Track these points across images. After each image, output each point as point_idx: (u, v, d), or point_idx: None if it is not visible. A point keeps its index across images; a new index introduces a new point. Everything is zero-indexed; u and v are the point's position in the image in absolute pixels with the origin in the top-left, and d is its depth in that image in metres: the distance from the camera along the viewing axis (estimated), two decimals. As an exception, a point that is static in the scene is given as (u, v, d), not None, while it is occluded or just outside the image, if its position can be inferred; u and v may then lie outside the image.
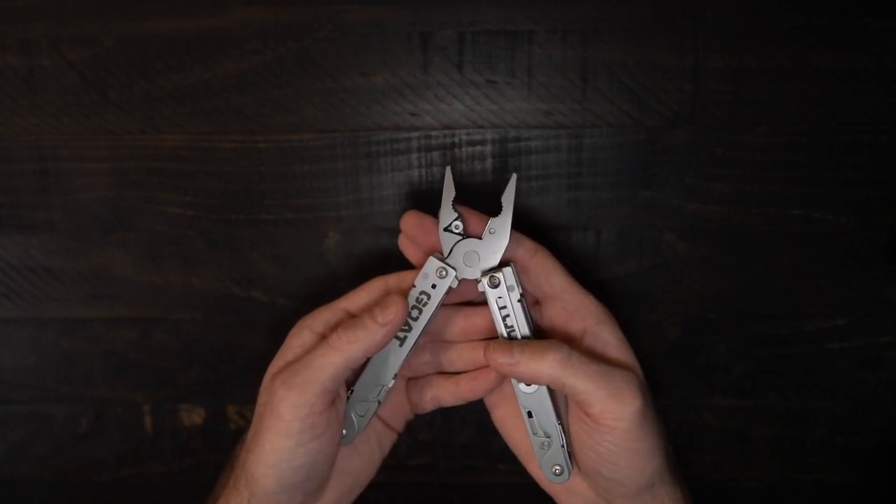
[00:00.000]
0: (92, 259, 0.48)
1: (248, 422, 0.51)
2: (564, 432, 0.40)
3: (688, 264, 0.47)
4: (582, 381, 0.37)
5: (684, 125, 0.45)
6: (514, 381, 0.40)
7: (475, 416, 0.50)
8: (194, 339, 0.50)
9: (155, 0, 0.44)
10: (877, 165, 0.45)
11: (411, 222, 0.41)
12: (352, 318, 0.40)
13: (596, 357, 0.39)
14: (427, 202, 0.46)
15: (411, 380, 0.44)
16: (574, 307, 0.40)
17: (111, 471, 0.52)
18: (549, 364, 0.37)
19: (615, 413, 0.37)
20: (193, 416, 0.51)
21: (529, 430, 0.40)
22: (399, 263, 0.43)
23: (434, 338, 0.43)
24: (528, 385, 0.40)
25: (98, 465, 0.52)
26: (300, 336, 0.40)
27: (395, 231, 0.43)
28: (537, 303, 0.43)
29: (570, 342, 0.41)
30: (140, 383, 0.51)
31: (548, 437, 0.40)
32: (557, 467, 0.40)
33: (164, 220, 0.47)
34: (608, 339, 0.40)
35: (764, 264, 0.47)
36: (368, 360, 0.40)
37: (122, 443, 0.52)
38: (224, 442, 0.51)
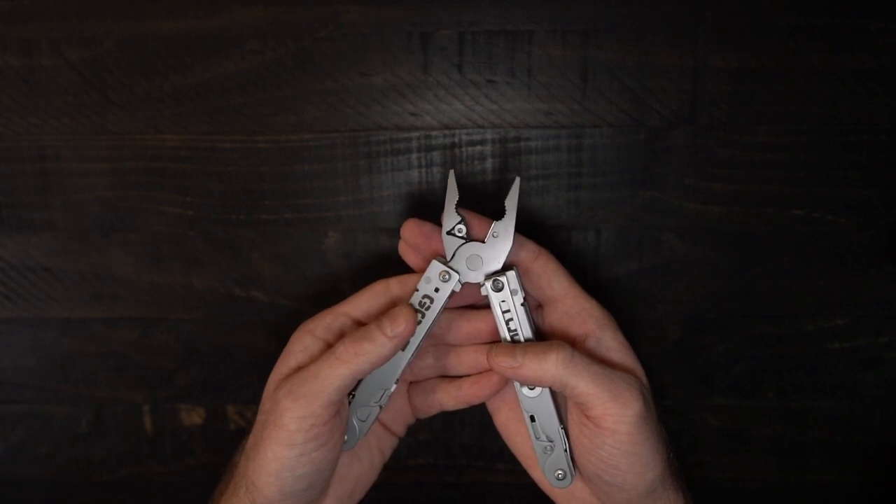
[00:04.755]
0: (92, 259, 0.48)
1: (248, 422, 0.51)
2: (567, 437, 0.40)
3: (688, 264, 0.47)
4: (584, 382, 0.36)
5: (684, 125, 0.45)
6: (516, 385, 0.40)
7: (475, 416, 0.50)
8: (194, 339, 0.50)
9: (155, 0, 0.44)
10: (876, 165, 0.45)
11: (413, 230, 0.40)
12: (354, 322, 0.40)
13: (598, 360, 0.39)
14: (427, 202, 0.46)
15: (413, 384, 0.44)
16: (576, 311, 0.40)
17: (111, 471, 0.52)
18: (553, 364, 0.36)
19: (616, 416, 0.36)
20: (193, 416, 0.51)
21: (532, 435, 0.40)
22: (399, 264, 0.43)
23: (437, 341, 0.43)
24: (532, 388, 0.40)
25: (98, 465, 0.52)
26: (302, 341, 0.40)
27: (396, 231, 0.42)
28: (539, 307, 0.42)
29: (572, 346, 0.41)
30: (140, 383, 0.51)
31: (550, 442, 0.40)
32: (560, 472, 0.40)
33: (164, 220, 0.47)
34: (610, 343, 0.40)
35: (764, 264, 0.47)
36: None
37: (122, 443, 0.52)
38: (224, 442, 0.51)
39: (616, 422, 0.36)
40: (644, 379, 0.40)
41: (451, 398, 0.43)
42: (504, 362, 0.38)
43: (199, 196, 0.47)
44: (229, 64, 0.45)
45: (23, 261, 0.49)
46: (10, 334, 0.50)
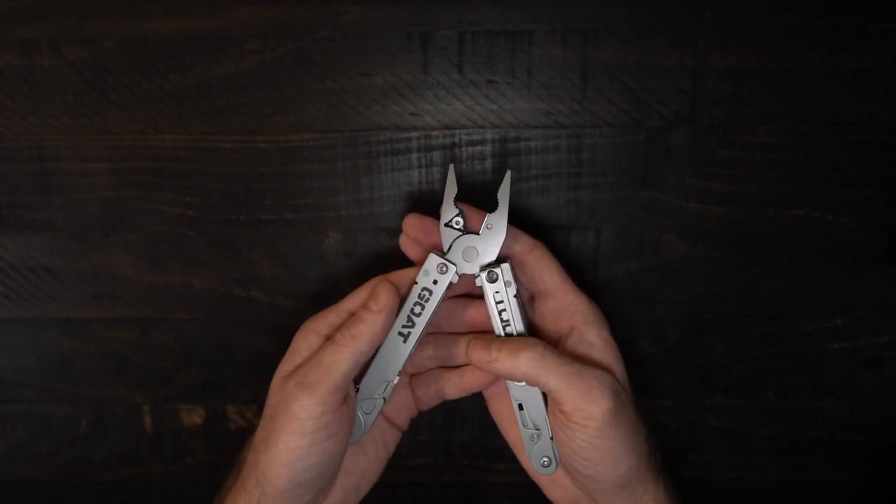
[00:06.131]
0: (92, 259, 0.48)
1: (249, 422, 0.51)
2: None
3: (688, 264, 0.47)
4: (554, 380, 0.38)
5: (684, 125, 0.45)
6: None
7: (475, 415, 0.50)
8: (194, 339, 0.50)
9: (155, 0, 0.44)
10: (876, 165, 0.45)
11: (413, 225, 0.42)
12: None
13: (576, 357, 0.40)
14: (427, 202, 0.46)
15: (414, 375, 0.45)
16: (564, 305, 0.41)
17: (111, 471, 0.52)
18: (524, 362, 0.38)
19: (585, 412, 0.37)
20: (193, 416, 0.51)
21: (520, 423, 0.41)
22: (399, 263, 0.43)
23: (436, 331, 0.44)
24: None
25: (98, 465, 0.52)
26: (306, 339, 0.41)
27: (396, 231, 0.43)
28: (532, 299, 0.43)
29: (557, 340, 0.42)
30: (140, 383, 0.51)
31: (537, 430, 0.41)
32: (545, 459, 0.41)
33: (164, 220, 0.47)
34: (593, 340, 0.41)
35: (764, 264, 0.47)
36: (373, 357, 0.40)
37: (122, 443, 0.52)
38: (224, 442, 0.51)
39: (585, 418, 0.38)
40: (622, 377, 0.40)
41: (452, 387, 0.44)
42: (480, 356, 0.39)
43: (199, 196, 0.47)
44: (229, 64, 0.45)
45: (23, 261, 0.49)
46: (10, 334, 0.50)
